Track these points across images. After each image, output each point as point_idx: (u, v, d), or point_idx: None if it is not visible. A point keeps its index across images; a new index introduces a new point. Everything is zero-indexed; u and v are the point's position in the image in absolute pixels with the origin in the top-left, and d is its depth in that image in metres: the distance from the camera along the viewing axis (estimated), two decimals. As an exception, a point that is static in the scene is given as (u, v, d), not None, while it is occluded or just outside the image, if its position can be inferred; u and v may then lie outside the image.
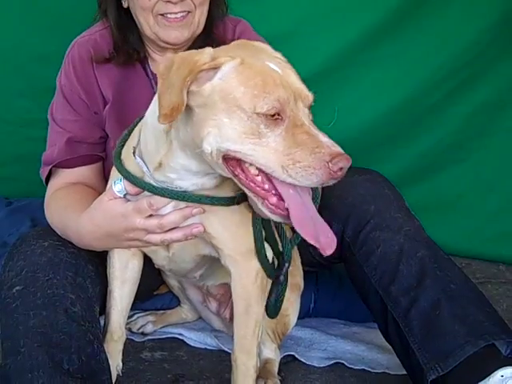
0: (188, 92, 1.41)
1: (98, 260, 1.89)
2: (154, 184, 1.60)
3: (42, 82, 2.64)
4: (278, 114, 1.38)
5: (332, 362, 2.16)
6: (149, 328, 2.29)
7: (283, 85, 1.40)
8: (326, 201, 2.01)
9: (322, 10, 2.87)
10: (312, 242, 1.45)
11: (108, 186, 1.74)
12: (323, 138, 1.38)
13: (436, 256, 1.96)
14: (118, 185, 1.65)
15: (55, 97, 2.14)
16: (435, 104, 3.06)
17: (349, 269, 2.11)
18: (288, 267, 1.83)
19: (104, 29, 2.13)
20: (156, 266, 1.96)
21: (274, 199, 1.44)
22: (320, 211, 1.89)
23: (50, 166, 2.06)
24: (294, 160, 1.36)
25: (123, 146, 1.72)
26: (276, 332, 2.09)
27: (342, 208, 2.05)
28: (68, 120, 2.08)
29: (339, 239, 2.06)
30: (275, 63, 1.45)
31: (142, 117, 1.69)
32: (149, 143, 1.59)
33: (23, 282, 1.74)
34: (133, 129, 1.73)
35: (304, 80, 1.56)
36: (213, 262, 1.87)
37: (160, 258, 1.85)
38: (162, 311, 2.38)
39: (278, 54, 1.58)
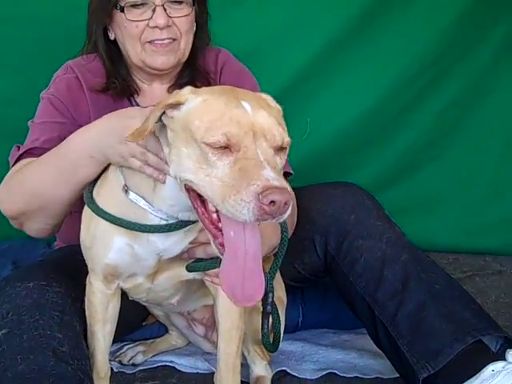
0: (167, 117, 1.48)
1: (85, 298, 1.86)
2: (156, 223, 1.59)
3: (11, 124, 2.62)
4: (226, 148, 1.36)
5: (324, 372, 2.14)
6: (139, 358, 2.24)
7: (240, 122, 1.38)
8: (307, 214, 2.05)
9: (284, 23, 2.90)
10: (225, 292, 1.41)
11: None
12: (267, 172, 1.31)
13: (418, 259, 1.98)
14: None
15: (38, 111, 2.11)
16: (406, 104, 3.09)
17: (335, 279, 2.12)
18: (272, 297, 1.84)
19: (93, 61, 2.17)
20: (130, 298, 1.93)
21: (221, 239, 1.41)
22: (303, 225, 1.92)
23: (26, 148, 1.99)
24: (231, 193, 1.31)
25: (93, 187, 1.72)
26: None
27: (322, 220, 2.07)
28: (52, 122, 2.05)
29: (323, 251, 2.10)
30: (250, 104, 1.42)
31: None
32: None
33: (9, 325, 1.70)
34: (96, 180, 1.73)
35: (275, 97, 1.57)
36: (190, 286, 1.85)
37: (140, 291, 1.82)
38: (151, 340, 2.34)
39: (266, 96, 1.57)
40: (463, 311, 1.86)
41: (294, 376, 2.14)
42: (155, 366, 2.23)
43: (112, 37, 2.13)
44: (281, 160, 1.41)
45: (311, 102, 2.98)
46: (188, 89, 1.51)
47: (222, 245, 1.41)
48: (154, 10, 2.00)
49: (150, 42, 2.04)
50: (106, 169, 1.72)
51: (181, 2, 2.05)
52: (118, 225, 1.61)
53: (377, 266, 1.96)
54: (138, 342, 2.32)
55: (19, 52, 2.73)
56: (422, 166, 3.19)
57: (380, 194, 2.72)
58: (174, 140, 1.45)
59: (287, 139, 1.42)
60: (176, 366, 2.21)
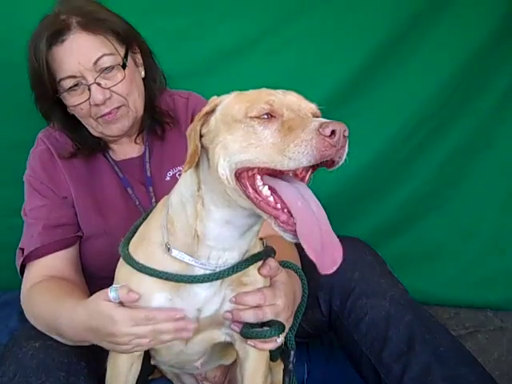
0: (202, 137, 1.53)
1: (91, 355, 1.88)
2: (198, 273, 1.59)
3: (21, 170, 2.63)
4: (272, 116, 1.42)
5: (331, 433, 2.14)
6: (147, 419, 2.23)
7: (277, 95, 1.46)
8: (311, 271, 2.02)
9: (286, 71, 2.89)
10: (313, 258, 1.39)
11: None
12: (318, 118, 1.39)
13: (423, 319, 1.99)
14: (112, 292, 1.62)
15: (25, 196, 2.16)
16: (408, 154, 3.09)
17: (339, 337, 2.13)
18: (294, 355, 1.83)
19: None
20: (153, 362, 1.95)
21: (284, 217, 1.41)
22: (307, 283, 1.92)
23: (26, 254, 2.04)
24: (289, 142, 1.35)
25: (128, 245, 1.71)
26: (274, 408, 2.07)
27: (326, 278, 2.02)
28: (37, 207, 2.10)
29: (327, 309, 2.11)
30: (282, 93, 1.50)
31: (146, 216, 1.74)
32: (181, 220, 1.59)
33: None
34: (135, 230, 1.73)
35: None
36: (215, 347, 1.85)
37: (171, 353, 1.82)
38: (158, 398, 2.32)
39: None
40: (468, 374, 1.87)
41: None
42: (163, 426, 2.21)
43: (71, 113, 2.11)
44: None
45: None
46: (215, 96, 1.56)
47: (284, 222, 1.41)
48: (89, 89, 2.00)
49: (100, 116, 2.04)
50: (139, 226, 1.74)
51: (112, 68, 2.02)
52: (164, 278, 1.59)
53: (381, 325, 1.97)
54: (145, 401, 2.30)
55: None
56: (423, 218, 3.18)
57: (380, 245, 2.73)
58: (215, 139, 1.48)
59: (318, 110, 1.50)
60: (182, 426, 2.18)
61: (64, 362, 1.79)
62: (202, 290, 1.62)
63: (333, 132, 1.33)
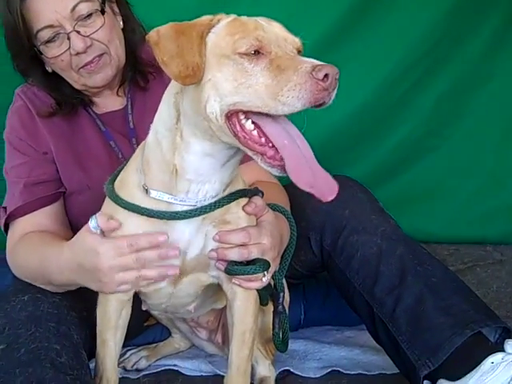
0: None
1: (81, 305, 1.88)
2: (180, 209, 1.58)
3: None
4: (259, 52, 1.40)
5: (328, 370, 2.14)
6: (143, 363, 2.25)
7: (264, 29, 1.43)
8: (301, 212, 2.05)
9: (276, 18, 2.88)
10: (308, 190, 1.39)
11: None
12: (306, 59, 1.37)
13: (414, 252, 1.98)
14: (92, 221, 1.63)
15: (5, 155, 2.13)
16: (401, 97, 3.09)
17: (332, 276, 2.13)
18: (283, 297, 1.84)
19: None
20: (144, 307, 1.95)
21: (270, 152, 1.41)
22: (298, 223, 1.91)
23: (8, 213, 2.03)
24: (282, 85, 1.33)
25: (112, 184, 1.69)
26: (268, 348, 2.09)
27: (316, 217, 2.08)
28: (18, 165, 2.07)
29: (318, 248, 2.11)
30: (264, 20, 1.48)
31: (127, 161, 1.72)
32: (156, 158, 1.58)
33: (6, 340, 1.71)
34: (117, 174, 1.72)
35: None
36: (207, 291, 1.85)
37: (161, 296, 1.81)
38: (154, 344, 2.35)
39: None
40: (461, 303, 1.86)
41: (297, 375, 2.15)
42: (159, 370, 2.24)
43: (50, 70, 2.08)
44: None
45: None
46: (208, 17, 1.50)
47: (271, 158, 1.41)
48: (69, 38, 1.95)
49: (81, 67, 2.00)
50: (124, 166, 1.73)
51: (90, 15, 1.97)
52: (146, 215, 1.59)
53: (373, 261, 1.96)
54: (141, 347, 2.33)
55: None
56: (420, 158, 3.19)
57: (379, 186, 2.73)
58: (204, 74, 1.43)
59: (301, 44, 1.49)
60: (180, 370, 2.22)
61: (53, 312, 1.78)
62: (184, 227, 1.61)
63: (326, 75, 1.31)
